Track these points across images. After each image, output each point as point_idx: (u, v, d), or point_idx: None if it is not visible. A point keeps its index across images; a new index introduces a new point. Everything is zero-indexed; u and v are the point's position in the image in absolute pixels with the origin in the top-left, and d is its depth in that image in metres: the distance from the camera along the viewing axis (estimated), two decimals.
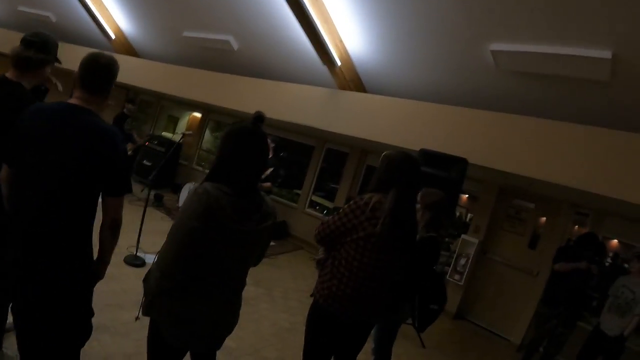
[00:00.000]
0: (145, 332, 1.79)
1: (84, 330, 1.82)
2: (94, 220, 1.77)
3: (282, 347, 3.64)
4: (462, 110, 5.02)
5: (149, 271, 1.73)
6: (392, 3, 4.60)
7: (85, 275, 1.76)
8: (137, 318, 3.05)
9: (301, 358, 2.36)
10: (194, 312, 1.66)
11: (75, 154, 1.61)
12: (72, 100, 1.72)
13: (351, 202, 2.13)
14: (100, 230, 1.80)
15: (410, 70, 5.53)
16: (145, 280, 1.74)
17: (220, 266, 1.67)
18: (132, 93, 10.59)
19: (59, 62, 2.36)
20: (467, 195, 7.14)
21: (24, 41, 2.19)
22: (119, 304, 3.46)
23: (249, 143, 1.68)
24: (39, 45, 2.17)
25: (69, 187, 1.63)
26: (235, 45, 7.15)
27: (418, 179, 2.16)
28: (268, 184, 6.13)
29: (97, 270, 1.83)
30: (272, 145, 6.12)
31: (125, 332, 3.12)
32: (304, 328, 2.38)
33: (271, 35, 6.40)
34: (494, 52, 4.19)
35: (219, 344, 1.87)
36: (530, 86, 4.50)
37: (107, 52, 1.87)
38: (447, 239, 6.43)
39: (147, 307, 1.69)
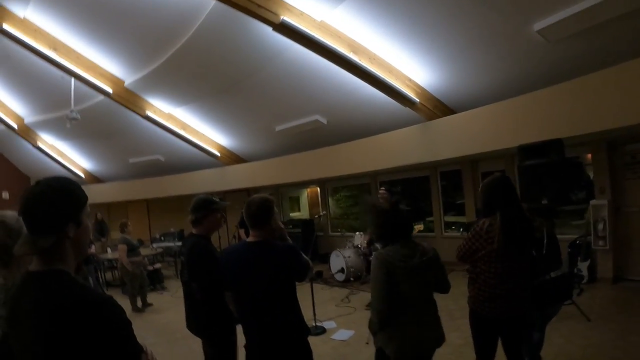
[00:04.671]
0: None
1: None
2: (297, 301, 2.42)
3: (460, 358, 3.99)
4: (539, 93, 5.30)
5: (370, 320, 2.51)
6: (434, 30, 5.19)
7: (304, 330, 2.43)
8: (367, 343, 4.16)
9: None
10: (407, 334, 2.35)
11: (269, 271, 2.28)
12: (250, 238, 2.40)
13: (471, 229, 2.71)
14: None
15: (478, 78, 5.89)
16: (369, 327, 2.53)
17: (411, 298, 2.34)
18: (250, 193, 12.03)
19: (224, 209, 3.11)
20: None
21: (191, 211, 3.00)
22: None
23: (389, 221, 2.47)
24: (194, 207, 2.94)
25: (274, 291, 2.28)
26: (324, 120, 8.11)
27: (513, 194, 2.69)
28: None
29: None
30: (384, 194, 6.40)
31: None
32: None
33: (349, 100, 7.22)
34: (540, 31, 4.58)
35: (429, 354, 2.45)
36: (590, 41, 4.64)
37: (257, 195, 2.44)
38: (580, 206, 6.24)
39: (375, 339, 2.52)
